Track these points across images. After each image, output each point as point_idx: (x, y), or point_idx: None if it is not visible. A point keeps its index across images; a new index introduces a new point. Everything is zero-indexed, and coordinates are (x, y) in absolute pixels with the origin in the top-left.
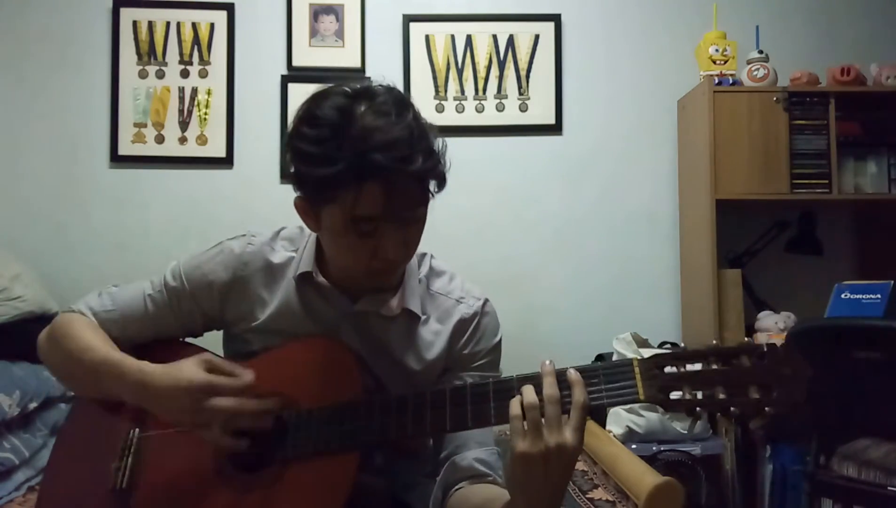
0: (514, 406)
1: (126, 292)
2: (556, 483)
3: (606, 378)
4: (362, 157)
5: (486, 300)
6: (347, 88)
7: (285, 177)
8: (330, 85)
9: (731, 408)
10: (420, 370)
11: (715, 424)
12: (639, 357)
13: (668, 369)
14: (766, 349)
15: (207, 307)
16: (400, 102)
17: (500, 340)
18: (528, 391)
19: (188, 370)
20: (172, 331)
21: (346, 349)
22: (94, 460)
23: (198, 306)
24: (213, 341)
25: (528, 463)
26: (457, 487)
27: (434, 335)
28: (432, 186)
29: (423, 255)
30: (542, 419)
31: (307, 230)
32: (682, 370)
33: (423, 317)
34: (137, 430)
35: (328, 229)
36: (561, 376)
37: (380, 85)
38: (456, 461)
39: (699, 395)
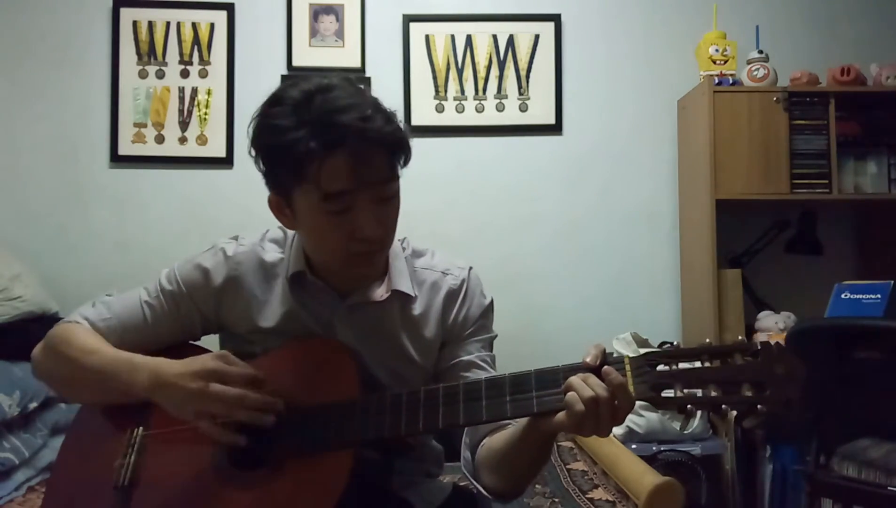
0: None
1: (122, 301)
2: None
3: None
4: (326, 117)
5: (471, 268)
6: (306, 83)
7: None
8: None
9: (724, 406)
10: (420, 351)
11: (715, 424)
12: (631, 355)
13: (660, 367)
14: (759, 348)
15: (204, 308)
16: (357, 86)
17: (491, 302)
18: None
19: (202, 357)
20: (171, 337)
21: (343, 349)
22: (99, 457)
23: (196, 308)
24: (210, 342)
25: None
26: (482, 444)
27: (427, 311)
28: (400, 161)
29: (403, 239)
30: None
31: (290, 232)
32: (675, 367)
33: (414, 296)
34: (141, 428)
35: (303, 215)
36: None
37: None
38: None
39: (691, 393)
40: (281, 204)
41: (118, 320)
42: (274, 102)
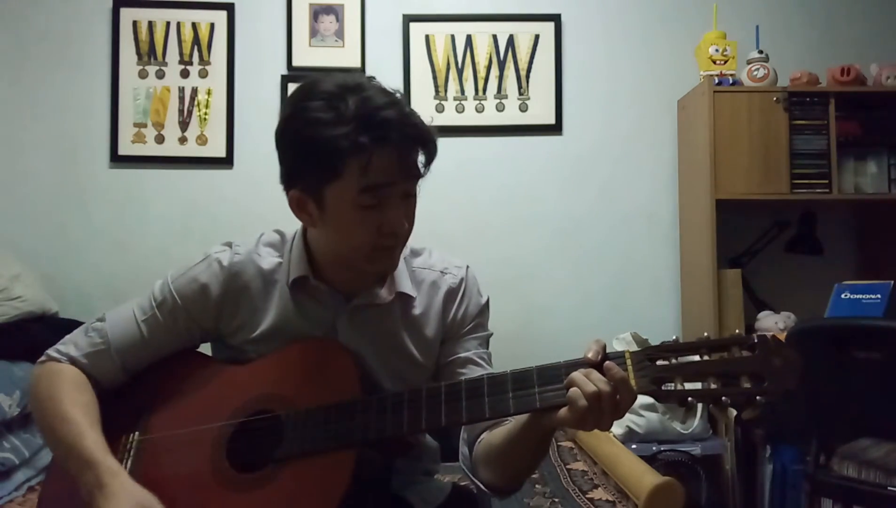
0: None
1: (115, 322)
2: None
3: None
4: (372, 112)
5: (468, 267)
6: (333, 78)
7: None
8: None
9: (723, 398)
10: (422, 351)
11: (715, 424)
12: (631, 350)
13: (660, 361)
14: (756, 340)
15: (203, 321)
16: (381, 85)
17: (487, 301)
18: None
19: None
20: (171, 349)
21: (343, 350)
22: None
23: (194, 321)
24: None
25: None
26: (479, 439)
27: (427, 311)
28: (430, 158)
29: None
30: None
31: (288, 235)
32: (675, 361)
33: (415, 296)
34: (137, 433)
35: (334, 211)
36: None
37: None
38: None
39: (691, 386)
40: (304, 201)
41: (114, 346)
42: (305, 96)
